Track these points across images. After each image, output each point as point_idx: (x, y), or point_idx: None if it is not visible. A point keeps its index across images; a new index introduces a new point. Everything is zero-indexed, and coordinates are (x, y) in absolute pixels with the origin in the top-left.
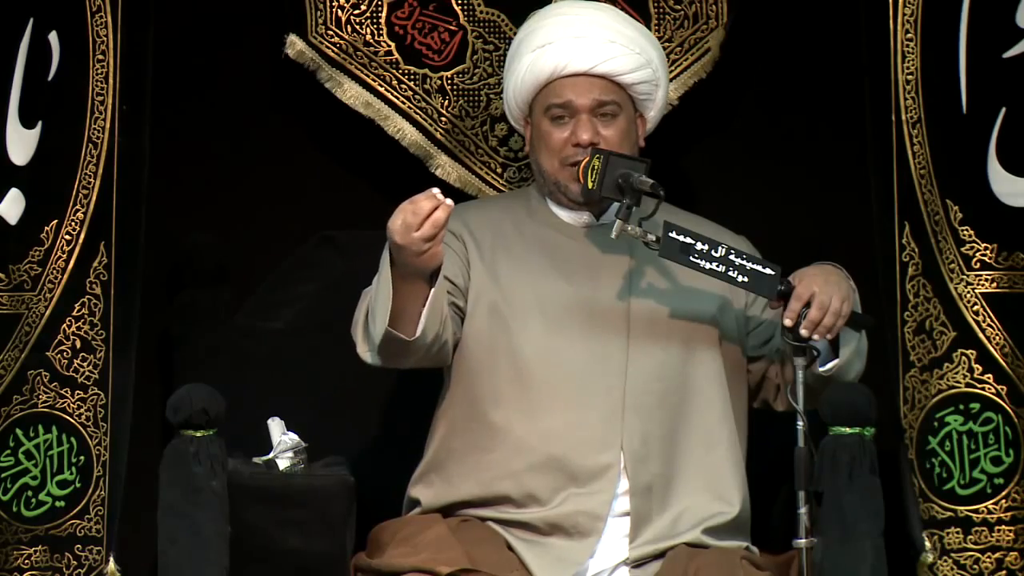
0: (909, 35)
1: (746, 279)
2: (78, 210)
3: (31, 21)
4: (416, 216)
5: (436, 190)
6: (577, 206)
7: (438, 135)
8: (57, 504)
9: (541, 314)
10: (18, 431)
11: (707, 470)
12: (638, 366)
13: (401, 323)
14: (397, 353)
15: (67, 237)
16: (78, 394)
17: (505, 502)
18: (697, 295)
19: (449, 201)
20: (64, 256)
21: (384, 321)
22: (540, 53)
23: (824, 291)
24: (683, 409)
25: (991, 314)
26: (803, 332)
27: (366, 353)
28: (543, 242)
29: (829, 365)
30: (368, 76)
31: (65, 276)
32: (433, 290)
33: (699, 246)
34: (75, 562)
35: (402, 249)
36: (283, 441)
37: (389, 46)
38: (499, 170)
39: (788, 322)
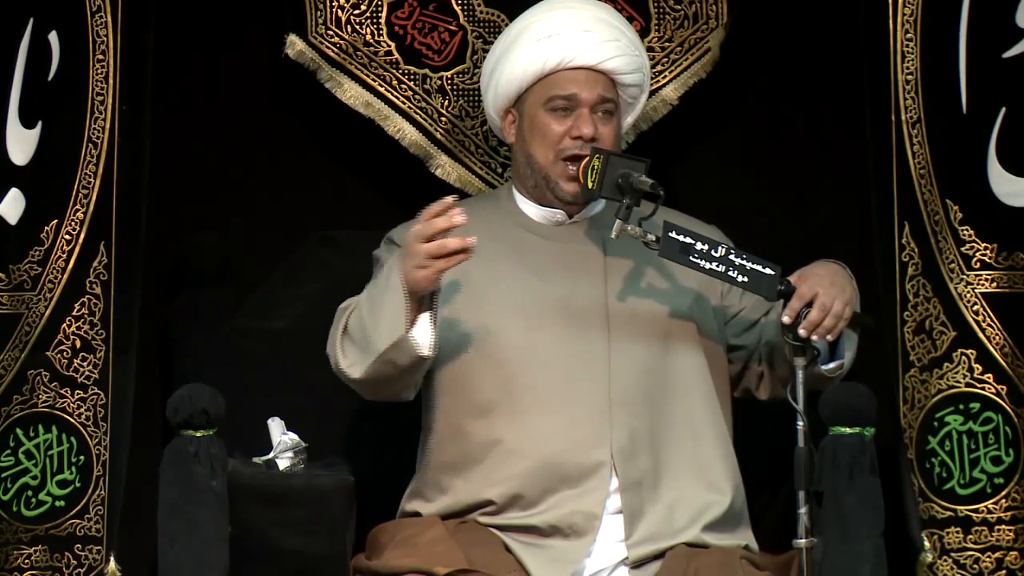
0: (909, 35)
1: (746, 279)
2: (78, 210)
3: (31, 21)
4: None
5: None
6: (560, 203)
7: (438, 135)
8: (57, 504)
9: (520, 316)
10: (18, 431)
11: (695, 461)
12: (620, 362)
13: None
14: (395, 367)
15: (67, 237)
16: (78, 394)
17: (499, 508)
18: (673, 288)
19: (472, 239)
20: (64, 256)
21: (399, 327)
22: (547, 43)
23: (828, 293)
24: (667, 403)
25: (991, 314)
26: (802, 332)
27: (353, 367)
28: (515, 243)
29: (831, 365)
30: (368, 76)
31: (65, 276)
32: (440, 308)
33: (699, 246)
34: (75, 562)
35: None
36: (283, 441)
37: (389, 46)
38: (499, 170)
39: (786, 319)
